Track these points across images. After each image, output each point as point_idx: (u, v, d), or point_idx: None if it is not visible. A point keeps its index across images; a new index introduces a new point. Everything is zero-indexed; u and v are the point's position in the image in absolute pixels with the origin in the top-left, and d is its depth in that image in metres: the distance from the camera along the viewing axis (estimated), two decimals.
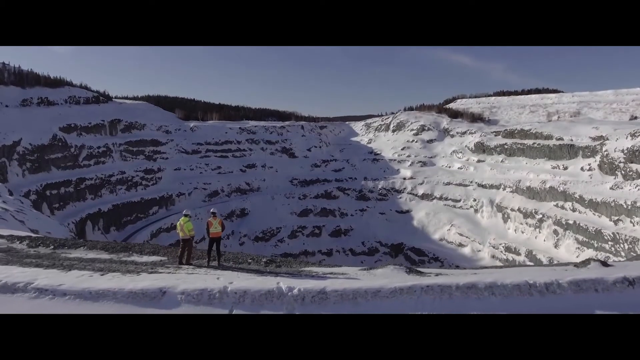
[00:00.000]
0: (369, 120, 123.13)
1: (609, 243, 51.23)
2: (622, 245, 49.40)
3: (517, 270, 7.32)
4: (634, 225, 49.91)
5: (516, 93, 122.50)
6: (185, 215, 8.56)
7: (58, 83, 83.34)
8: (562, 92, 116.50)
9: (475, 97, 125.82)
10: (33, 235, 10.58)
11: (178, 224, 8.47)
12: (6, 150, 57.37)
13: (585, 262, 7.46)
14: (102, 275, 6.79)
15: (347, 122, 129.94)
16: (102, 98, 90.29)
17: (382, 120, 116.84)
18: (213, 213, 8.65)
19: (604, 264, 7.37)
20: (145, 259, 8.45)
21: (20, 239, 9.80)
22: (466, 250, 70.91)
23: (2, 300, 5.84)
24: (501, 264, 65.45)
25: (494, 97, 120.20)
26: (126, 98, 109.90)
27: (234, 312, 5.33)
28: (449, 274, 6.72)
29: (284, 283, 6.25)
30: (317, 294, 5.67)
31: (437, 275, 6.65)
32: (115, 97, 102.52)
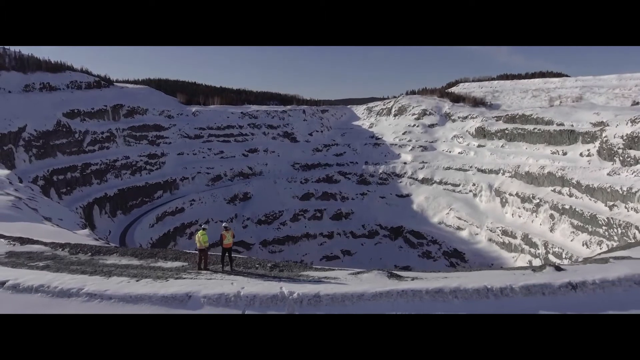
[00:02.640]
0: (370, 104, 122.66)
1: (603, 228, 52.39)
2: (615, 230, 50.54)
3: (482, 274, 8.42)
4: (628, 211, 50.85)
5: (520, 77, 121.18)
6: (203, 229, 9.74)
7: (59, 68, 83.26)
8: (567, 75, 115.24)
9: (479, 80, 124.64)
10: (72, 242, 11.80)
11: (196, 236, 9.67)
12: (12, 136, 58.22)
13: (542, 267, 8.54)
14: (137, 281, 8.10)
15: (348, 106, 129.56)
16: (103, 83, 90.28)
17: (384, 104, 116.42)
18: (225, 227, 9.81)
19: (558, 268, 8.41)
20: (169, 264, 9.72)
21: (62, 246, 11.08)
22: (464, 234, 72.53)
23: (61, 303, 7.10)
24: (497, 247, 67.15)
25: (497, 81, 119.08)
26: (127, 82, 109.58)
27: (246, 312, 6.56)
28: (423, 278, 7.86)
29: (285, 288, 7.49)
30: (312, 297, 6.89)
31: (413, 279, 7.79)
32: (117, 81, 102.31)
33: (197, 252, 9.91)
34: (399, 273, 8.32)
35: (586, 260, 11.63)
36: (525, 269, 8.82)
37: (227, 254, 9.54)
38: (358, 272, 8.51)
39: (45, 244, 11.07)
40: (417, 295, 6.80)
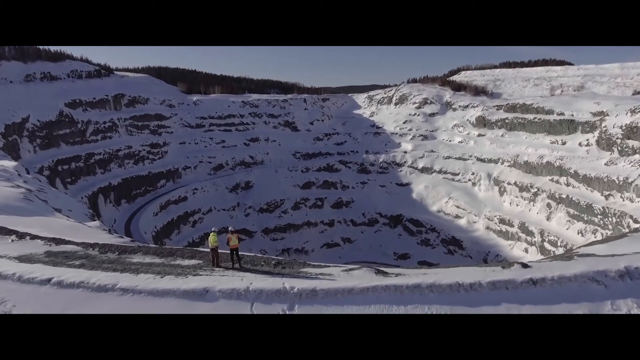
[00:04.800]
0: (371, 93, 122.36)
1: (598, 217, 53.42)
2: (610, 219, 51.58)
3: (457, 270, 9.47)
4: (623, 200, 51.75)
5: (522, 64, 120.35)
6: (213, 232, 10.93)
7: (59, 57, 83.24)
8: (570, 64, 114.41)
9: (481, 68, 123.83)
10: (100, 242, 12.97)
11: (209, 238, 10.91)
12: (16, 127, 58.95)
13: (510, 264, 9.56)
14: (162, 277, 9.27)
15: (349, 95, 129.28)
16: (103, 72, 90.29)
17: (385, 93, 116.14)
18: (232, 231, 10.97)
19: (525, 265, 9.42)
20: (187, 262, 10.93)
21: (92, 245, 12.29)
22: (462, 222, 73.78)
23: (99, 297, 8.25)
24: (495, 235, 68.48)
25: (498, 70, 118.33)
26: (127, 70, 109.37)
27: (254, 304, 7.67)
28: (405, 274, 8.92)
29: (287, 283, 8.63)
30: (310, 291, 8.00)
31: (396, 275, 8.85)
32: (116, 70, 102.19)
33: (209, 251, 11.18)
34: (385, 270, 9.42)
35: (553, 258, 12.67)
36: (496, 265, 9.87)
37: (234, 253, 10.75)
38: (349, 269, 9.61)
39: (77, 244, 12.26)
40: (399, 290, 7.87)
